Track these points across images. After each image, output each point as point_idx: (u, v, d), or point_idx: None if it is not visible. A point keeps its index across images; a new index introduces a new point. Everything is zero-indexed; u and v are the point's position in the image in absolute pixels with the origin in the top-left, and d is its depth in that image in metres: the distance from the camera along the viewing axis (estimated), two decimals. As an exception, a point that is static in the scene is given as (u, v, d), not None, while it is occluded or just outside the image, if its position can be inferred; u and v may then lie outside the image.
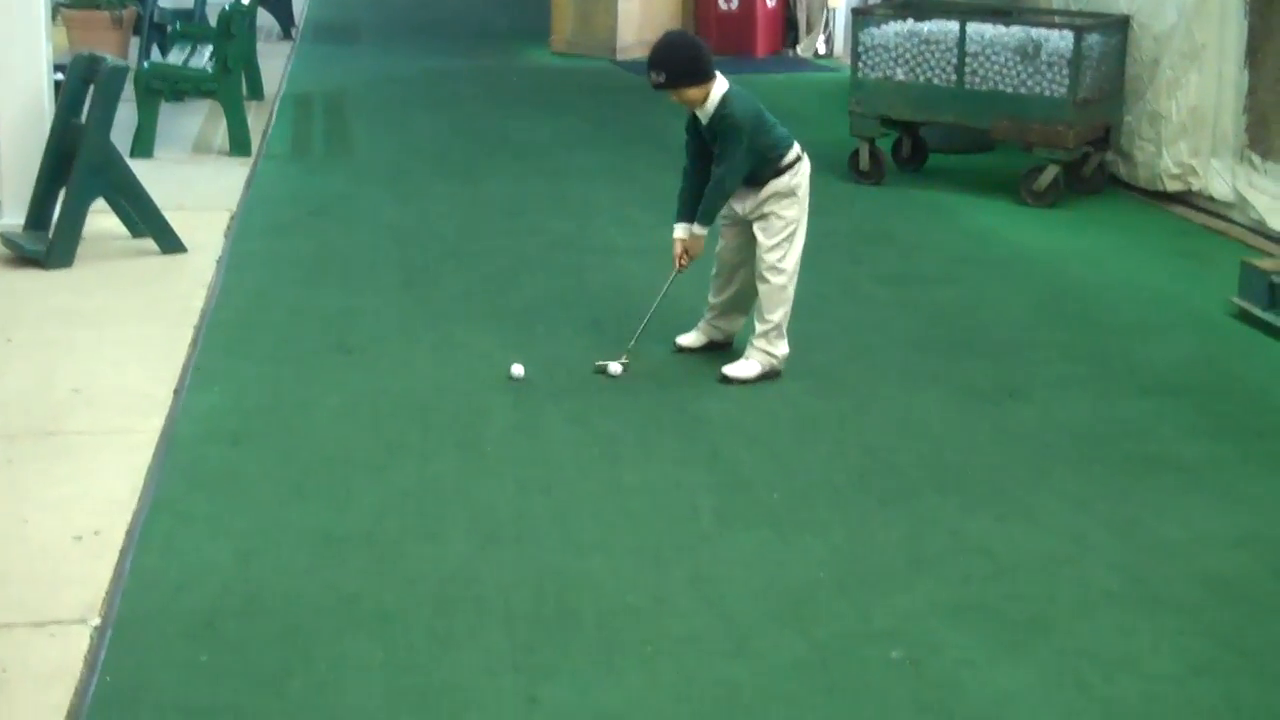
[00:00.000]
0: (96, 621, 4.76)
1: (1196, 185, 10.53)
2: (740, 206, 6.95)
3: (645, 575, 5.14)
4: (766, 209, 6.88)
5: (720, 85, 6.79)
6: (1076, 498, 5.82)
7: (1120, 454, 6.27)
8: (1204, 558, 5.35)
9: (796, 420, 6.61)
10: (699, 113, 6.83)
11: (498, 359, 7.16)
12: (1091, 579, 5.18)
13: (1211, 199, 10.39)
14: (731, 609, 4.93)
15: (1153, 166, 10.79)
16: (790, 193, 6.86)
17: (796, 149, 6.93)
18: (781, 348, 7.07)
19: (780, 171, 6.85)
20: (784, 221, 6.87)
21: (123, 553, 5.22)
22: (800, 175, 6.91)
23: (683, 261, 6.96)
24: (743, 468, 6.06)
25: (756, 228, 6.92)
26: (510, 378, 6.95)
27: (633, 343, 6.96)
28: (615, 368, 6.95)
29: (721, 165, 6.76)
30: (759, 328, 7.02)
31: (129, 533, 5.36)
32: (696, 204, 6.89)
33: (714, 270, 7.29)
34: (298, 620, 4.80)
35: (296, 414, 6.52)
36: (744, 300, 7.25)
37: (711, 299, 7.36)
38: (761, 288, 6.97)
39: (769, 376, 7.05)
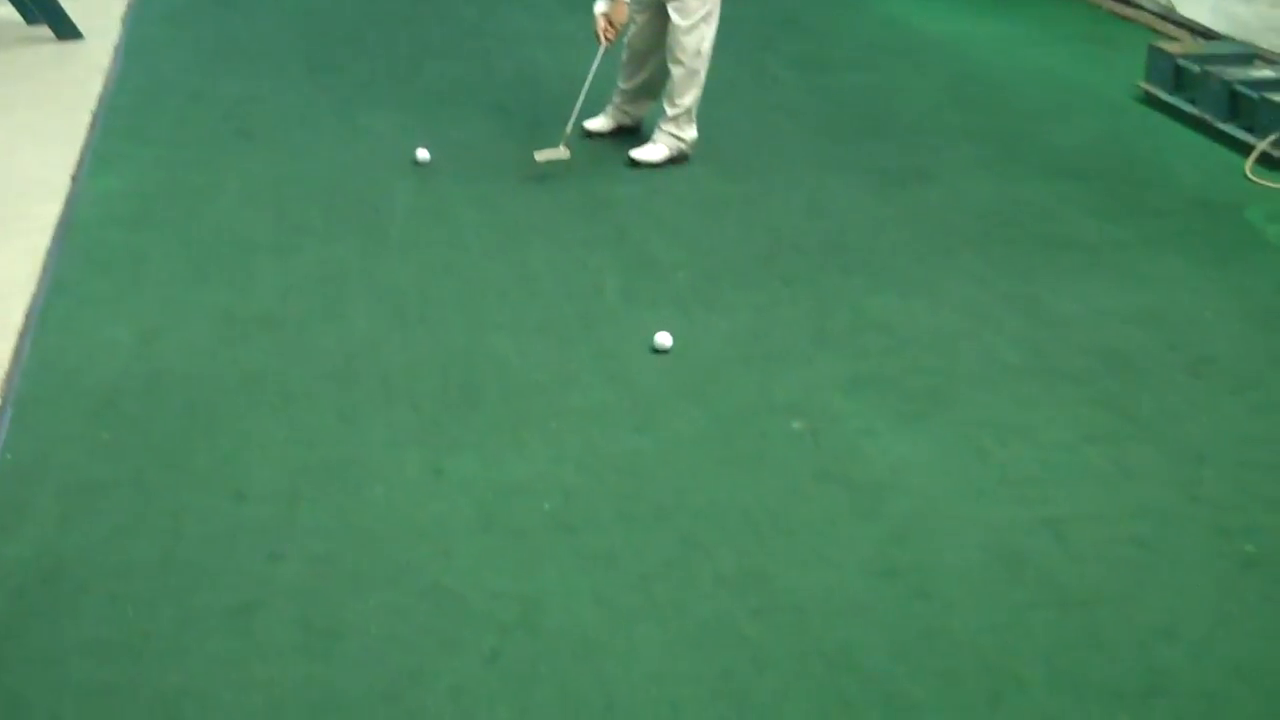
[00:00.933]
0: (-3, 401, 4.74)
1: (1107, -28, 10.48)
2: None
3: (550, 353, 5.16)
4: None
5: None
6: (979, 276, 5.87)
7: (1023, 234, 6.32)
8: (1101, 332, 5.42)
9: (703, 203, 6.60)
10: None
11: (402, 144, 7.07)
12: (991, 353, 5.24)
13: (1122, -14, 10.36)
14: (636, 385, 4.96)
15: (1064, -47, 10.72)
16: None
17: None
18: (690, 132, 7.03)
19: None
20: (700, 1, 6.76)
21: (22, 334, 5.17)
22: None
23: (608, 35, 6.78)
24: (649, 249, 6.05)
25: (672, 9, 6.80)
26: (415, 162, 6.88)
27: (569, 128, 6.84)
28: (561, 152, 6.79)
29: None
30: (669, 111, 6.96)
31: (28, 314, 5.30)
32: None
33: (624, 56, 7.19)
34: (200, 398, 4.78)
35: (197, 198, 6.42)
36: (654, 85, 7.18)
37: (621, 84, 7.29)
38: (675, 71, 6.89)
39: (677, 160, 7.02)
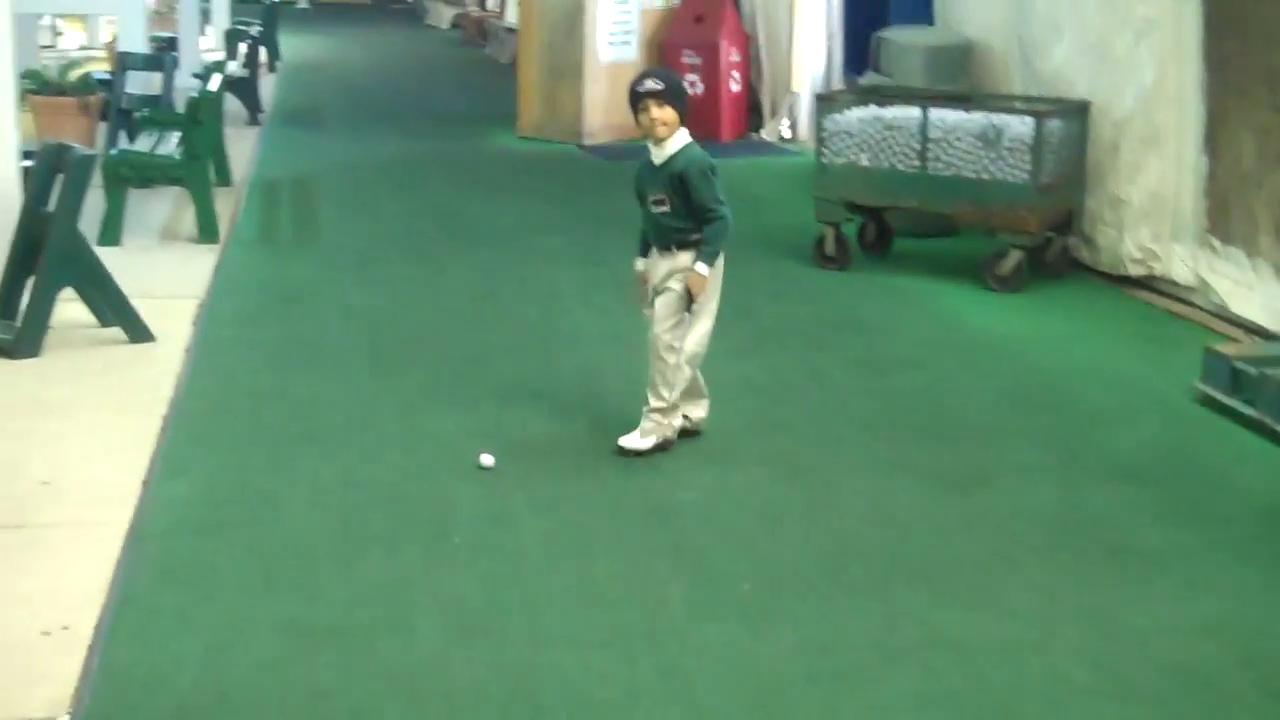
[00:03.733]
0: (66, 719, 4.74)
1: (1159, 269, 10.62)
2: (654, 276, 7.08)
3: (616, 668, 5.15)
4: (673, 283, 6.95)
5: (686, 132, 6.92)
6: (1044, 587, 5.85)
7: (1087, 542, 6.30)
8: (1171, 647, 5.38)
9: (764, 508, 6.63)
10: (657, 151, 6.92)
11: (466, 448, 7.16)
12: (1059, 668, 5.20)
13: (1174, 283, 10.47)
14: (702, 702, 4.94)
15: (1115, 250, 10.88)
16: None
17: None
18: (677, 419, 7.18)
19: (698, 243, 6.94)
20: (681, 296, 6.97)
21: (92, 648, 5.20)
22: None
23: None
24: (711, 557, 6.07)
25: (659, 301, 6.98)
26: (479, 467, 6.95)
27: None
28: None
29: (708, 201, 6.86)
30: (654, 402, 7.06)
31: (98, 627, 5.34)
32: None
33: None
34: (268, 717, 4.78)
35: (265, 504, 6.51)
36: (695, 383, 7.26)
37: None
38: (655, 364, 7.03)
39: (663, 448, 7.12)
